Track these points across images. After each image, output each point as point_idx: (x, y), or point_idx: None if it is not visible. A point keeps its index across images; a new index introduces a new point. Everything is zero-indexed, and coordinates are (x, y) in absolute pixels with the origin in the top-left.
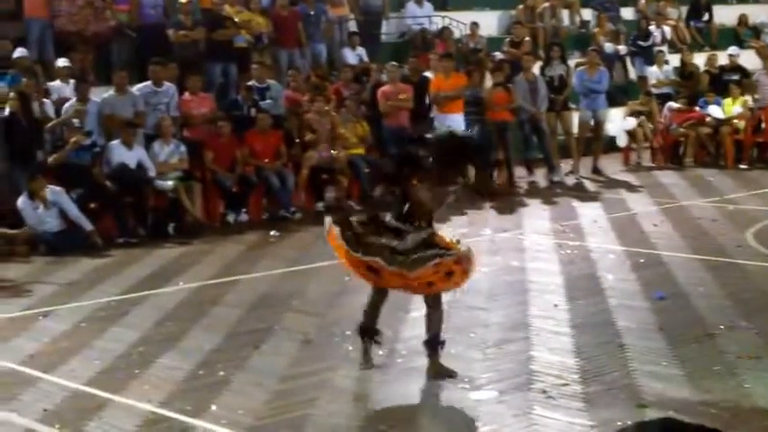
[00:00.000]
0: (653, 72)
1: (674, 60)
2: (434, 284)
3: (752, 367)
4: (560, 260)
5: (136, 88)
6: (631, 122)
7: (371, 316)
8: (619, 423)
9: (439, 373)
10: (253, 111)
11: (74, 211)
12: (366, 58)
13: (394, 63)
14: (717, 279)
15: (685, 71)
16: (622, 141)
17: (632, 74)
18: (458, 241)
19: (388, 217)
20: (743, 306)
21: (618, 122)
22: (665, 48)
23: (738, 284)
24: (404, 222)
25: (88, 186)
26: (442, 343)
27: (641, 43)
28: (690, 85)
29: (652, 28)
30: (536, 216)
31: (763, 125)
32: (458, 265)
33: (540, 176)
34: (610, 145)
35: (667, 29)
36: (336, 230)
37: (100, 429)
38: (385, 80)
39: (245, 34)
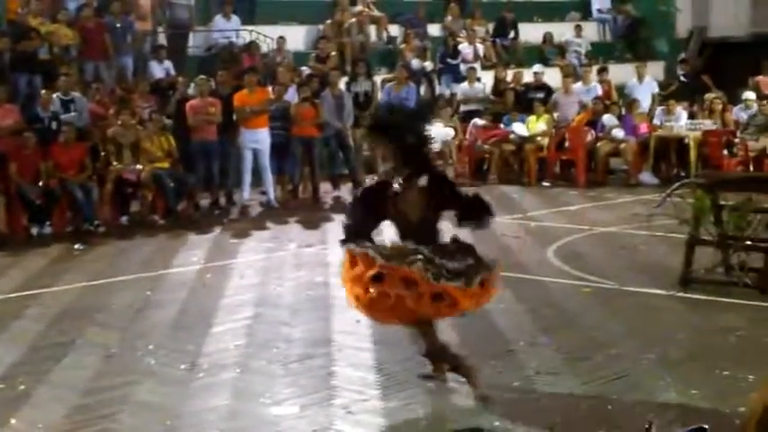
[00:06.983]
0: (462, 89)
1: (483, 78)
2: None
3: (550, 383)
4: None
5: None
6: (450, 132)
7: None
8: None
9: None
10: (54, 123)
11: None
12: (173, 72)
13: (203, 76)
14: (518, 295)
15: (499, 87)
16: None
17: (439, 90)
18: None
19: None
20: (543, 322)
21: (440, 132)
22: (477, 65)
23: (539, 301)
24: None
25: None
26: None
27: (450, 60)
28: (503, 102)
29: (463, 45)
30: (341, 231)
31: (567, 143)
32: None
33: (346, 192)
34: None
35: (480, 46)
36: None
37: None
38: (191, 94)
39: (51, 46)
